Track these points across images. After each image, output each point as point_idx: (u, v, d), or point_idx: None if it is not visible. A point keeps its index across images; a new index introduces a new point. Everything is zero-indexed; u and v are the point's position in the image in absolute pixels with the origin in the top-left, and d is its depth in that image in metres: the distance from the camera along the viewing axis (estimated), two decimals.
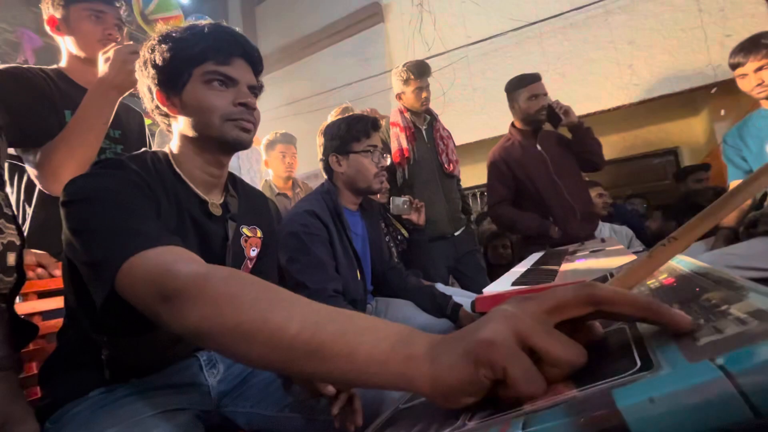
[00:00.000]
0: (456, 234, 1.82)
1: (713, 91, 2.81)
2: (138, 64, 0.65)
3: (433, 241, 1.75)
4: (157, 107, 0.65)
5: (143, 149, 0.66)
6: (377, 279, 1.23)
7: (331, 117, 1.78)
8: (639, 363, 0.20)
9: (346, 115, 1.34)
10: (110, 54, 0.89)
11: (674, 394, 0.16)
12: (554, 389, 0.22)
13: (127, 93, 0.92)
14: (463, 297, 1.23)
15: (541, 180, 1.75)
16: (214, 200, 0.68)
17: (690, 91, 2.81)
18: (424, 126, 1.87)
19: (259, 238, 0.75)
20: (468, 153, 3.20)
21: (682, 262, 0.39)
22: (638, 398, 0.17)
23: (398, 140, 1.81)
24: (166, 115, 0.66)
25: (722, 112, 2.91)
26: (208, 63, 0.62)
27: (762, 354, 0.16)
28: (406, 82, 1.80)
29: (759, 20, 2.58)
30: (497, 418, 0.23)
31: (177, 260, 0.42)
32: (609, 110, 2.99)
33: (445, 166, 1.84)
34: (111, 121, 0.94)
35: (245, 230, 0.72)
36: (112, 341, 0.56)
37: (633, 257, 0.87)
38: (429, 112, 1.90)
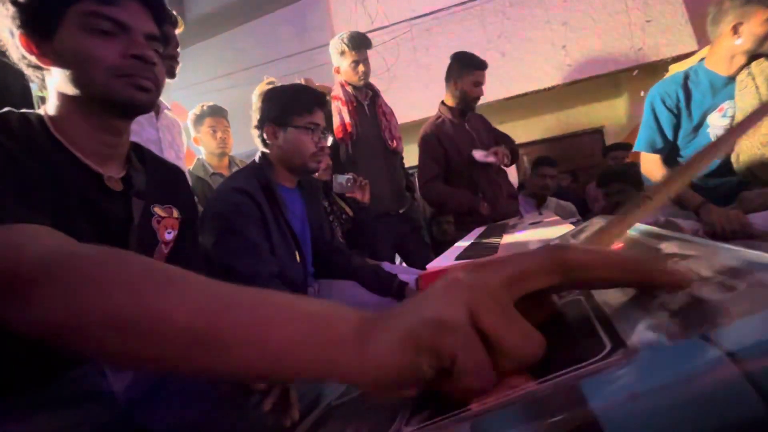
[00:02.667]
0: (401, 211, 1.80)
1: (635, 73, 3.03)
2: None
3: (378, 218, 1.71)
4: (23, 57, 0.51)
5: (6, 109, 0.52)
6: (319, 260, 1.16)
7: (255, 94, 1.64)
8: (609, 344, 0.16)
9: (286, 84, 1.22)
10: None
11: (661, 384, 0.12)
12: (508, 381, 0.18)
13: None
14: (408, 274, 1.21)
15: (471, 158, 1.79)
16: (112, 173, 0.56)
17: (615, 73, 3.00)
18: (367, 101, 1.80)
19: (176, 218, 0.64)
20: (413, 131, 3.18)
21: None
22: (614, 393, 0.13)
23: (340, 114, 1.72)
24: (37, 67, 0.52)
25: (642, 93, 3.16)
26: (88, 2, 0.49)
27: (766, 327, 0.12)
28: (342, 54, 1.71)
29: (675, 7, 2.80)
30: (439, 422, 0.18)
31: (33, 241, 0.33)
32: (545, 90, 3.11)
33: (389, 142, 1.79)
34: None
35: (157, 209, 0.62)
36: None
37: (570, 227, 0.89)
38: (370, 87, 1.82)
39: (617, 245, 0.34)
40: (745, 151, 1.23)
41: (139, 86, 0.53)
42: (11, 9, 0.49)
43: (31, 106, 0.95)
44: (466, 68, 1.81)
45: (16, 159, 0.45)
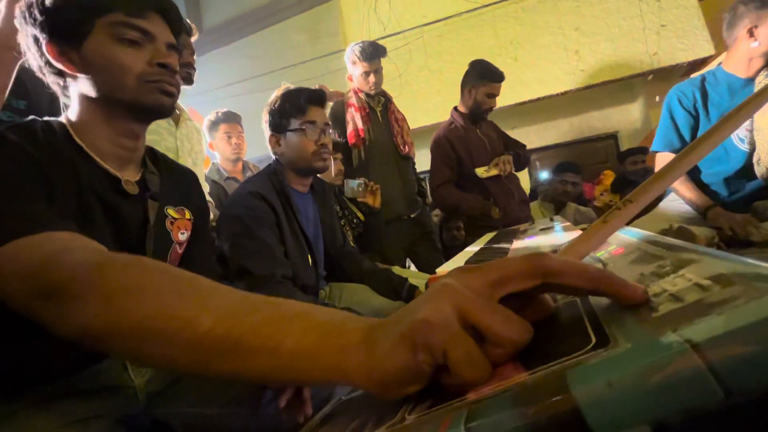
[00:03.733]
0: (412, 216, 1.81)
1: (650, 78, 2.99)
2: (18, 10, 0.53)
3: (390, 223, 1.73)
4: (48, 63, 0.54)
5: (31, 117, 0.55)
6: (331, 264, 1.18)
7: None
8: (594, 339, 0.18)
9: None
10: (2, 6, 0.75)
11: (633, 373, 0.14)
12: (501, 373, 0.20)
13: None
14: (419, 279, 1.22)
15: (483, 163, 1.81)
16: (129, 177, 0.59)
17: (629, 78, 2.97)
18: (379, 108, 1.83)
19: (189, 220, 0.67)
20: (424, 136, 3.20)
21: (630, 233, 0.38)
22: (593, 380, 0.15)
23: (353, 120, 1.75)
24: (60, 74, 0.55)
25: (657, 98, 3.12)
26: (117, 13, 0.53)
27: (730, 322, 0.14)
28: (354, 64, 1.75)
29: (690, 11, 2.76)
30: (438, 410, 0.20)
31: (62, 249, 0.35)
32: (557, 95, 3.10)
33: (401, 147, 1.81)
34: (10, 88, 0.80)
35: (170, 211, 0.64)
36: None
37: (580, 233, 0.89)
38: (383, 94, 1.85)
39: (618, 250, 0.35)
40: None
41: (165, 91, 0.56)
42: (39, 17, 0.52)
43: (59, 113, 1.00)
44: (482, 78, 1.82)
45: (42, 166, 0.47)
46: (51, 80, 0.56)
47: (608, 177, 2.77)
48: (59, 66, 0.53)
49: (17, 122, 0.52)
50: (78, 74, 0.54)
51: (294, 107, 1.04)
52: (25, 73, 0.85)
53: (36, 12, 0.51)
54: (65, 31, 0.52)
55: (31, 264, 0.34)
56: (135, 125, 0.58)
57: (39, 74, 0.56)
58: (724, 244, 1.18)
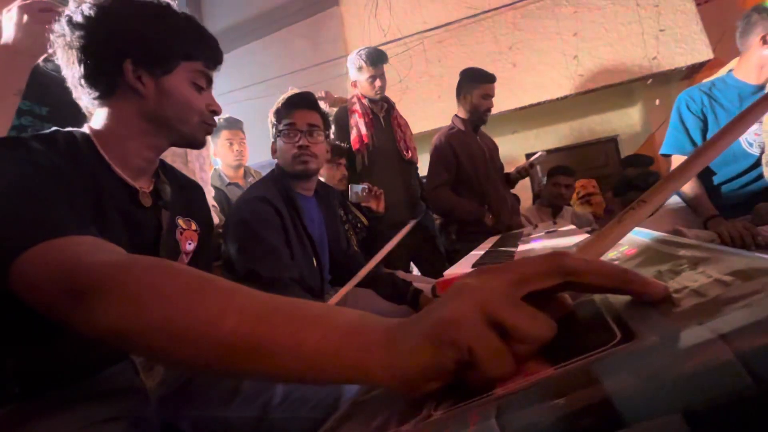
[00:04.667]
0: (416, 220, 1.82)
1: (649, 82, 3.02)
2: (93, 16, 0.55)
3: (393, 228, 1.73)
4: (89, 78, 0.56)
5: (53, 128, 0.56)
6: (336, 268, 1.19)
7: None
8: (619, 334, 0.18)
9: None
10: (14, 13, 0.76)
11: (663, 364, 0.14)
12: (527, 369, 0.20)
13: (41, 58, 0.80)
14: (423, 283, 1.22)
15: (481, 169, 1.84)
16: (143, 187, 0.61)
17: (629, 82, 2.99)
18: (382, 113, 1.84)
19: (195, 231, 0.69)
20: (426, 141, 3.21)
21: (641, 233, 0.38)
22: (623, 371, 0.15)
23: (357, 126, 1.77)
24: (100, 90, 0.57)
25: (657, 102, 3.14)
26: (199, 62, 0.62)
27: (757, 313, 0.14)
28: (360, 69, 1.76)
29: (688, 16, 2.79)
30: (465, 405, 0.20)
31: (90, 251, 0.36)
32: (557, 99, 3.12)
33: (404, 152, 1.82)
34: (24, 91, 0.81)
35: (180, 221, 0.66)
36: (18, 349, 0.47)
37: (585, 236, 0.90)
38: (386, 99, 1.87)
39: (630, 251, 0.36)
40: None
41: (209, 132, 0.67)
42: (129, 37, 0.57)
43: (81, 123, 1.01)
44: (473, 82, 1.86)
45: (65, 175, 0.48)
46: (83, 92, 0.57)
47: (582, 186, 2.79)
48: (132, 83, 0.57)
49: (40, 133, 0.53)
50: (144, 97, 0.58)
51: (280, 112, 1.05)
52: (52, 81, 0.86)
53: (127, 35, 0.56)
54: (154, 62, 0.58)
55: (59, 265, 0.35)
56: (168, 146, 0.64)
57: (73, 84, 0.58)
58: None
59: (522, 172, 2.03)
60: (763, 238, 1.15)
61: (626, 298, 0.22)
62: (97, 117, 0.59)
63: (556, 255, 0.22)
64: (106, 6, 0.56)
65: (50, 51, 0.60)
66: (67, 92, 0.59)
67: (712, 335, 0.14)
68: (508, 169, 2.12)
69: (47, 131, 0.55)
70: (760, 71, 1.31)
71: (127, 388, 0.56)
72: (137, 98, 0.58)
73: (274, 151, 1.09)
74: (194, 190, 0.75)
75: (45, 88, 0.86)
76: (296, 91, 1.10)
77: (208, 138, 1.89)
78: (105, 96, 0.58)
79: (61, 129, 0.57)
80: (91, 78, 0.57)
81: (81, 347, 0.51)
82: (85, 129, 0.59)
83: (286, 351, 0.26)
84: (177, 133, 0.63)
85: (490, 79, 1.87)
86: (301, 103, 1.06)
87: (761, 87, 1.32)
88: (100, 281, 0.32)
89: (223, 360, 0.27)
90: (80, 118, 0.94)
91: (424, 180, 2.08)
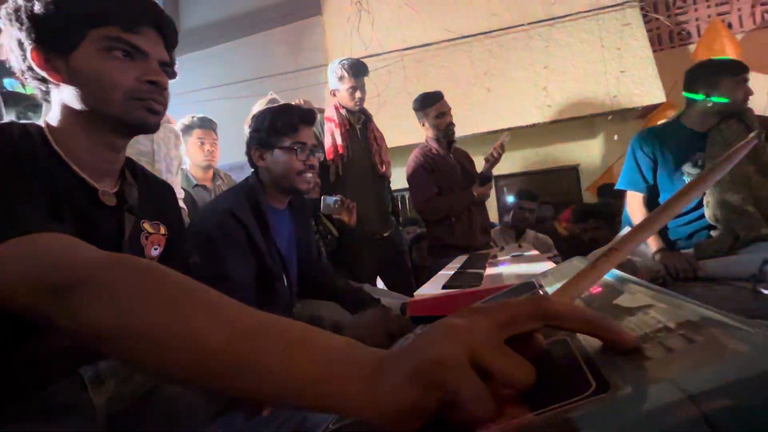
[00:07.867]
0: (385, 235, 1.82)
1: (609, 117, 3.24)
2: (4, 11, 0.51)
3: (363, 241, 1.73)
4: (30, 69, 0.52)
5: (9, 120, 0.53)
6: (304, 280, 1.17)
7: (257, 108, 1.67)
8: (594, 383, 0.19)
9: (274, 105, 1.24)
10: None
11: (638, 419, 0.16)
12: (506, 411, 0.21)
13: None
14: (389, 298, 1.22)
15: (455, 187, 1.91)
16: (107, 188, 0.57)
17: (591, 116, 3.20)
18: (359, 125, 1.85)
19: (163, 235, 0.65)
20: (400, 156, 3.26)
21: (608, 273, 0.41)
22: (602, 428, 0.16)
23: (332, 136, 1.76)
24: (44, 80, 0.53)
25: (615, 137, 3.37)
26: (111, 27, 0.51)
27: (722, 376, 0.16)
28: (341, 79, 1.76)
29: (646, 62, 3.04)
30: None
31: (70, 246, 0.34)
32: (526, 126, 3.27)
33: (378, 166, 1.83)
34: None
35: (146, 225, 0.62)
36: None
37: (549, 264, 0.94)
38: (363, 111, 1.88)
39: (596, 289, 0.38)
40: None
41: (152, 109, 0.55)
42: (27, 23, 0.50)
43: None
44: (425, 108, 1.95)
45: (20, 170, 0.45)
46: (33, 85, 0.54)
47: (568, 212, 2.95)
48: (43, 73, 0.51)
49: None
50: (62, 83, 0.52)
51: (286, 126, 1.02)
52: None
53: (23, 16, 0.49)
54: (54, 39, 0.50)
55: (35, 260, 0.33)
56: (117, 139, 0.57)
57: (20, 78, 0.54)
58: (670, 277, 1.34)
59: (492, 158, 1.96)
60: (702, 272, 1.30)
61: (597, 341, 0.24)
62: (50, 109, 0.55)
63: (541, 300, 0.24)
64: None
65: None
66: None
67: (681, 395, 0.15)
68: None
69: (1, 123, 0.51)
70: (703, 120, 1.46)
71: (71, 405, 0.52)
72: (67, 89, 0.52)
73: (259, 159, 1.04)
74: (165, 191, 0.71)
75: None
76: (276, 96, 1.09)
77: (178, 136, 1.80)
78: (45, 90, 0.54)
79: (16, 122, 0.53)
80: (26, 71, 0.53)
81: (21, 362, 0.47)
82: (41, 122, 0.55)
83: (272, 373, 0.25)
84: (105, 119, 0.53)
85: (437, 97, 1.94)
86: (311, 121, 1.05)
87: (705, 134, 1.45)
88: (86, 277, 0.30)
89: (206, 373, 0.26)
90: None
91: (396, 194, 2.11)
